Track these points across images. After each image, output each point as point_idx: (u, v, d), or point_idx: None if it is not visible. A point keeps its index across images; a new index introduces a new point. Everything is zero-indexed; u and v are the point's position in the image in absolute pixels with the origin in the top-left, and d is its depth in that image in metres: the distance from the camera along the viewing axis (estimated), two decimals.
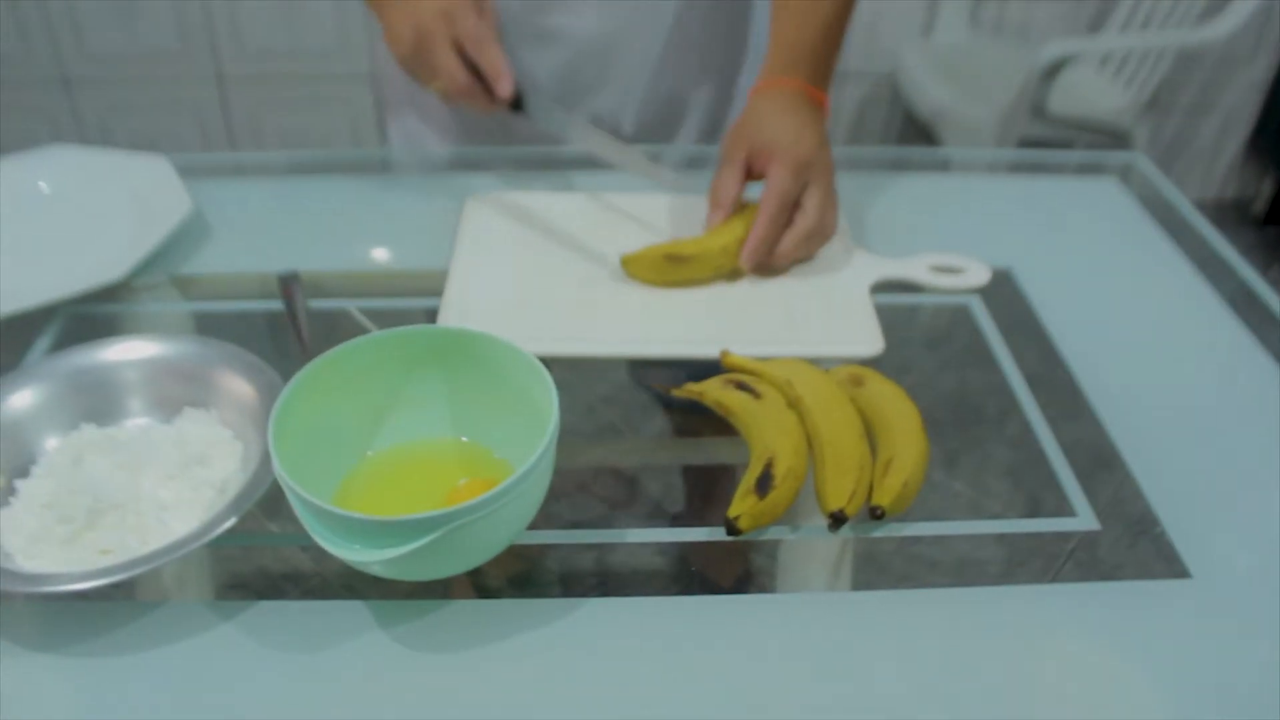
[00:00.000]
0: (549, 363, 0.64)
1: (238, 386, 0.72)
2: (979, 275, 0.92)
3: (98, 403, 0.73)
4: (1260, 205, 3.00)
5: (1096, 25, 2.69)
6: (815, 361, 0.78)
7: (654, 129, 1.15)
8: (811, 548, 0.68)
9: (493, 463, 0.68)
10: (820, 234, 0.91)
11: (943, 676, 0.59)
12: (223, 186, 1.06)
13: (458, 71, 0.91)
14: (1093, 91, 2.53)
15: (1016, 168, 1.18)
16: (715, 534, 0.67)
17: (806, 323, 0.86)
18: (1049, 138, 2.49)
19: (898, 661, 0.60)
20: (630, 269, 0.90)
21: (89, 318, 0.87)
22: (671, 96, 1.13)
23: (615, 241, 0.94)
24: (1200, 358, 0.86)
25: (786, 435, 0.70)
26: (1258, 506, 0.71)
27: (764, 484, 0.66)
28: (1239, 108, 2.89)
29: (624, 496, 0.72)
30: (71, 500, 0.64)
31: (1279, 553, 0.67)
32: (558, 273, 0.92)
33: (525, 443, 0.61)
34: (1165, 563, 0.67)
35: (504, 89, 0.92)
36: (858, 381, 0.76)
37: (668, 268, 0.89)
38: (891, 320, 0.87)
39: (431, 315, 0.85)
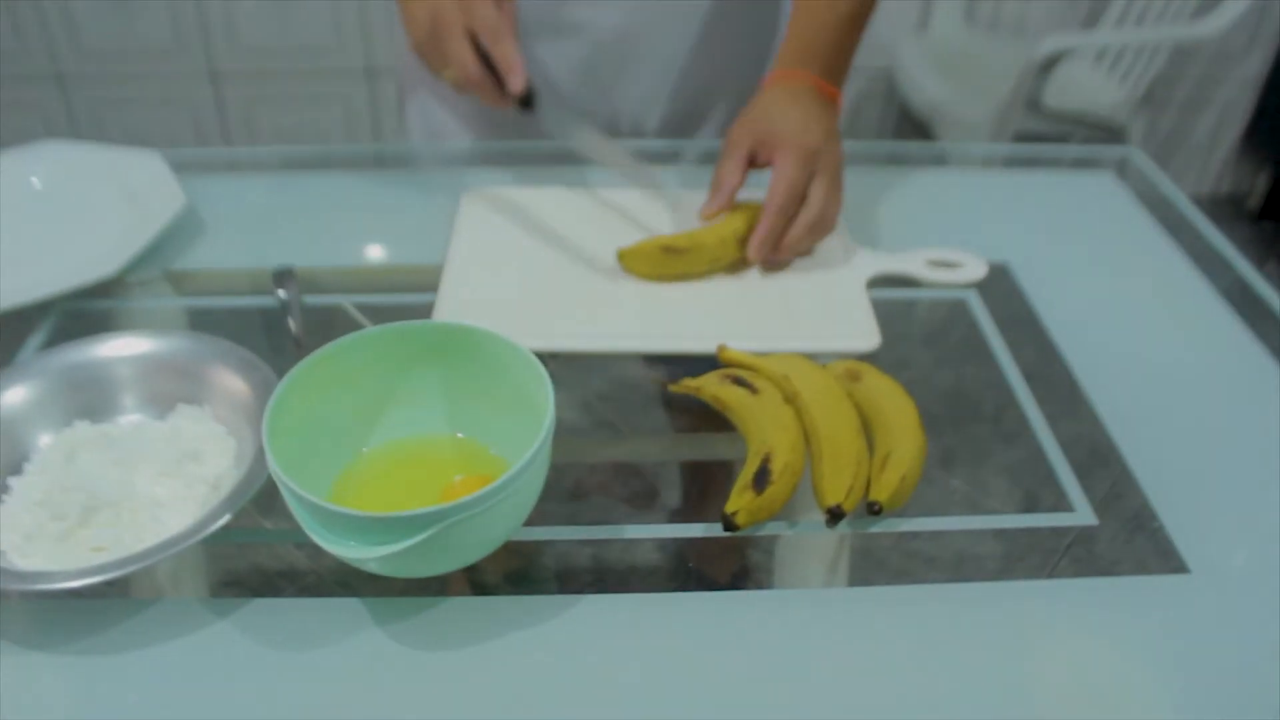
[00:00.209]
0: (545, 358, 0.64)
1: (232, 382, 0.72)
2: (976, 270, 0.92)
3: (91, 399, 0.72)
4: (1255, 200, 3.00)
5: (1091, 20, 2.69)
6: (812, 356, 0.78)
7: (679, 125, 1.15)
8: (808, 543, 0.68)
9: (488, 459, 0.68)
10: (823, 226, 0.91)
11: (940, 672, 0.59)
12: (216, 182, 1.06)
13: (470, 62, 0.91)
14: (1088, 86, 2.53)
15: (1012, 162, 1.18)
16: (712, 530, 0.67)
17: (803, 318, 0.86)
18: (1044, 132, 2.49)
19: (895, 657, 0.60)
20: (626, 263, 0.89)
21: (82, 314, 0.87)
22: (699, 92, 1.13)
23: (611, 237, 0.94)
24: (1197, 352, 0.86)
25: (784, 430, 0.69)
26: (1255, 501, 0.71)
27: (761, 479, 0.66)
28: (1234, 103, 2.89)
29: (620, 492, 0.71)
30: (65, 497, 0.64)
31: (1277, 547, 0.67)
32: (554, 268, 0.92)
33: (521, 439, 0.61)
34: (1163, 558, 0.66)
35: (515, 84, 0.91)
36: (855, 376, 0.76)
37: (664, 261, 0.89)
38: (888, 315, 0.87)
39: (426, 311, 0.85)
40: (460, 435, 0.70)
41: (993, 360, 0.83)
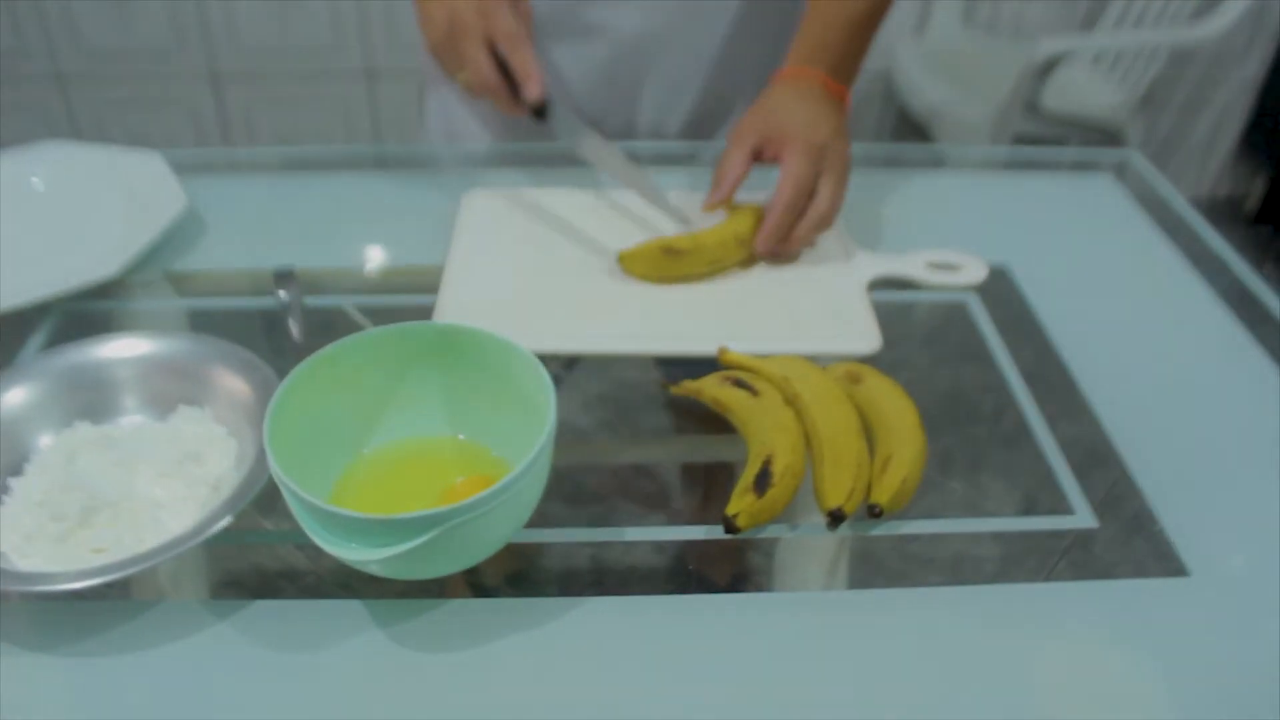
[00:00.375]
0: (545, 360, 0.64)
1: (232, 384, 0.72)
2: (976, 272, 0.92)
3: (92, 400, 0.72)
4: (1252, 203, 3.00)
5: (1090, 23, 2.69)
6: (813, 359, 0.78)
7: (697, 128, 1.15)
8: (808, 546, 0.68)
9: (490, 460, 0.68)
10: (826, 222, 0.91)
11: (941, 675, 0.59)
12: (217, 183, 1.06)
13: (486, 67, 0.91)
14: (1086, 89, 2.54)
15: (1011, 165, 1.18)
16: (713, 532, 0.67)
17: (804, 320, 0.86)
18: (1043, 135, 2.49)
19: (897, 660, 0.60)
20: (627, 265, 0.89)
21: (83, 315, 0.87)
22: (718, 95, 1.12)
23: (612, 238, 0.94)
24: (1197, 354, 0.86)
25: (784, 433, 0.70)
26: (1255, 503, 0.71)
27: (762, 482, 0.66)
28: (1231, 106, 2.90)
29: (621, 494, 0.71)
30: (65, 498, 0.64)
31: (1277, 550, 0.67)
32: (554, 269, 0.92)
33: (522, 440, 0.61)
34: (1163, 560, 0.66)
35: (532, 92, 0.91)
36: (855, 379, 0.76)
37: (664, 262, 0.89)
38: (889, 317, 0.87)
39: (427, 312, 0.85)
40: (461, 437, 0.70)
41: (993, 362, 0.83)
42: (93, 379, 0.73)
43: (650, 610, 0.63)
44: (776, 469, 0.67)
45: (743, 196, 0.95)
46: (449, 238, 0.95)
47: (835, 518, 0.65)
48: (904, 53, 2.66)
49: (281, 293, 0.86)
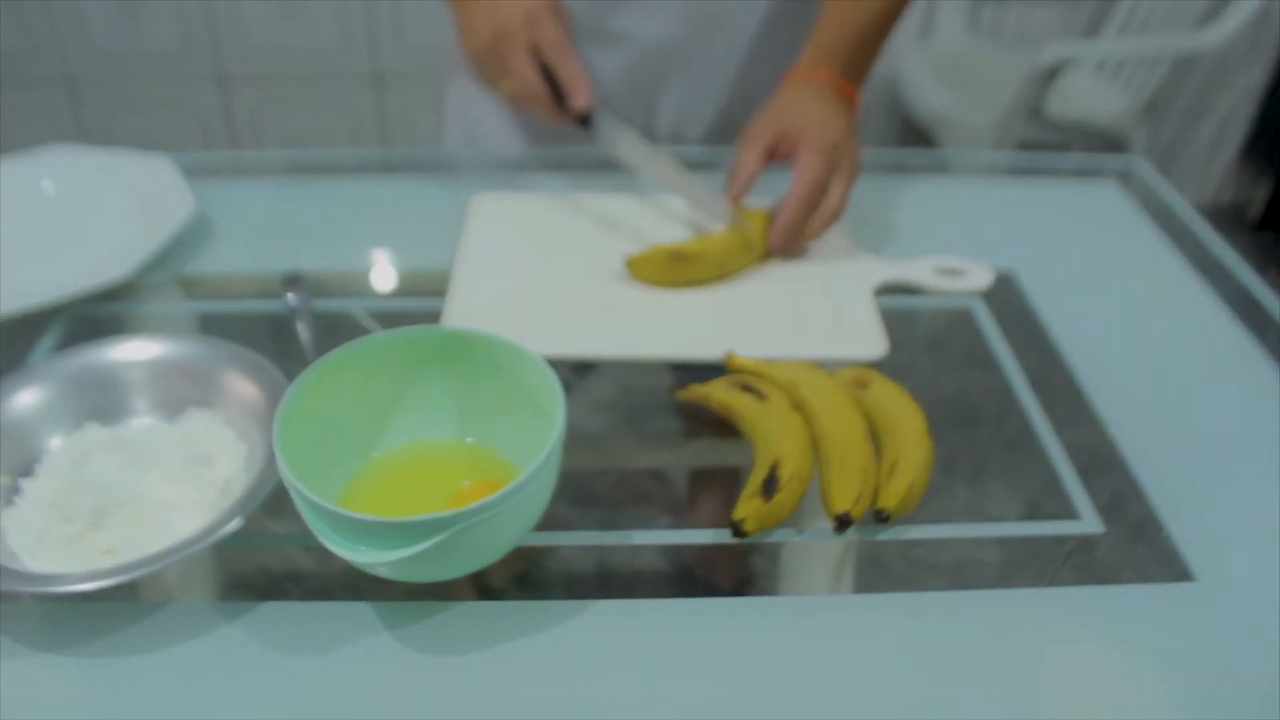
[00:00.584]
0: (554, 365, 0.64)
1: (242, 387, 0.72)
2: (982, 278, 0.93)
3: (102, 402, 0.73)
4: (1255, 209, 3.00)
5: (1094, 29, 2.70)
6: (820, 364, 0.78)
7: (720, 134, 1.15)
8: (813, 550, 0.68)
9: (498, 464, 0.68)
10: (835, 218, 0.93)
11: (947, 680, 0.59)
12: (226, 186, 1.06)
13: (531, 76, 0.92)
14: (1090, 95, 2.54)
15: (1016, 171, 1.18)
16: (720, 536, 0.67)
17: (811, 325, 0.86)
18: (1046, 141, 2.49)
19: (903, 664, 0.60)
20: (635, 270, 0.90)
21: (93, 318, 0.87)
22: (742, 102, 1.13)
23: (619, 243, 0.95)
24: (1202, 361, 0.86)
25: (791, 437, 0.70)
26: (1261, 509, 0.71)
27: (769, 486, 0.66)
28: (1235, 112, 2.90)
29: (628, 498, 0.72)
30: (76, 500, 0.64)
31: None
32: (562, 274, 0.92)
33: (530, 444, 0.61)
34: (1169, 565, 0.67)
35: (580, 101, 0.92)
36: (862, 384, 0.76)
37: (672, 268, 0.89)
38: (895, 323, 0.87)
39: (435, 316, 0.85)
40: (470, 441, 0.70)
41: (998, 368, 0.83)
42: (103, 381, 0.73)
43: (657, 614, 0.63)
44: (784, 474, 0.67)
45: (751, 201, 0.95)
46: (457, 241, 0.95)
47: (842, 522, 0.66)
48: (908, 58, 2.67)
49: (290, 296, 0.87)
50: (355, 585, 0.63)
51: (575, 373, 0.82)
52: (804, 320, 0.87)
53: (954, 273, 0.93)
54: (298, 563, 0.66)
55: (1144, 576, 0.66)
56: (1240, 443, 0.77)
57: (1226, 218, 3.03)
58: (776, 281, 0.92)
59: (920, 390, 0.76)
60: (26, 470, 0.68)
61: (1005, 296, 0.92)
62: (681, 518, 0.70)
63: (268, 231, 1.00)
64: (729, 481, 0.74)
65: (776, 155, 0.93)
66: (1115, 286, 0.95)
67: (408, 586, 0.63)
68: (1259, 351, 0.86)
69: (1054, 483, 0.73)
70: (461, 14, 0.96)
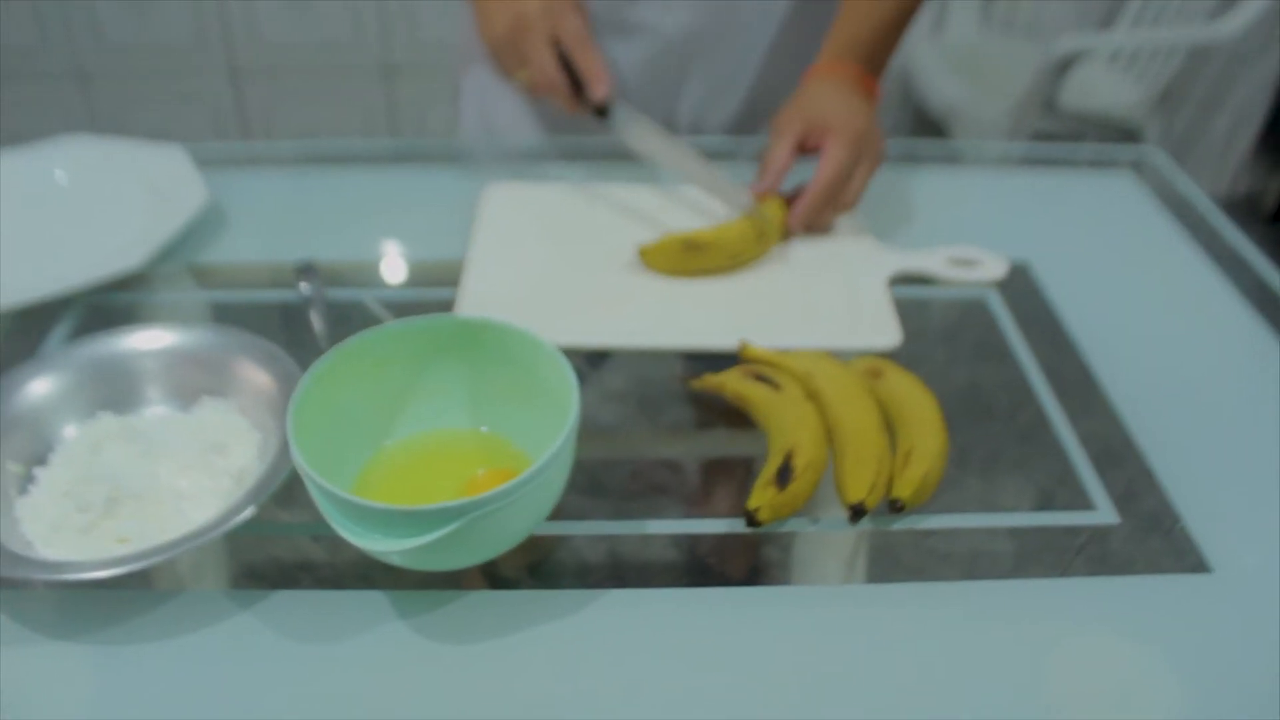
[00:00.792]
0: (568, 354, 0.64)
1: (255, 376, 0.72)
2: (996, 269, 0.92)
3: (116, 391, 0.73)
4: (1270, 201, 2.99)
5: (1108, 21, 2.68)
6: (834, 354, 0.78)
7: (739, 126, 1.16)
8: (825, 540, 0.68)
9: (511, 453, 0.68)
10: (851, 206, 0.94)
11: (961, 671, 0.59)
12: (239, 176, 1.06)
13: (550, 67, 0.92)
14: (1104, 87, 2.53)
15: (1029, 161, 1.17)
16: (734, 526, 0.67)
17: (825, 315, 0.86)
18: (1060, 133, 2.48)
19: (915, 655, 0.60)
20: (648, 259, 0.90)
21: (106, 307, 0.87)
22: (762, 94, 1.13)
23: (632, 232, 0.94)
24: (1217, 351, 0.86)
25: (806, 427, 0.70)
26: (1277, 499, 0.71)
27: (784, 476, 0.66)
28: (1250, 104, 2.88)
29: (641, 488, 0.72)
30: (90, 489, 0.64)
31: None
32: (575, 263, 0.92)
33: (544, 433, 0.61)
34: (1184, 557, 0.66)
35: (599, 93, 0.93)
36: (877, 374, 0.76)
37: (685, 257, 0.89)
38: (909, 313, 0.87)
39: (447, 306, 0.85)
40: (483, 430, 0.70)
41: (1013, 358, 0.83)
42: (116, 371, 0.73)
43: (669, 604, 0.63)
44: (798, 463, 0.67)
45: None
46: (470, 231, 0.95)
47: (857, 512, 0.65)
48: (922, 51, 2.66)
49: (303, 286, 0.87)
50: (367, 574, 0.63)
51: (589, 362, 0.82)
52: (818, 310, 0.87)
53: (968, 263, 0.93)
54: (310, 552, 0.66)
55: (1159, 568, 0.66)
56: (1257, 433, 0.77)
57: (1241, 209, 3.01)
58: (791, 271, 0.92)
59: (934, 380, 0.76)
60: (41, 459, 0.68)
61: (1019, 287, 0.91)
62: (695, 507, 0.70)
63: (281, 221, 1.00)
64: (742, 471, 0.74)
65: (806, 147, 0.94)
66: (1130, 277, 0.95)
67: (420, 575, 0.63)
68: (1275, 342, 0.86)
69: (1069, 473, 0.72)
70: (481, 4, 0.97)
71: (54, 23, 2.50)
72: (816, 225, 0.95)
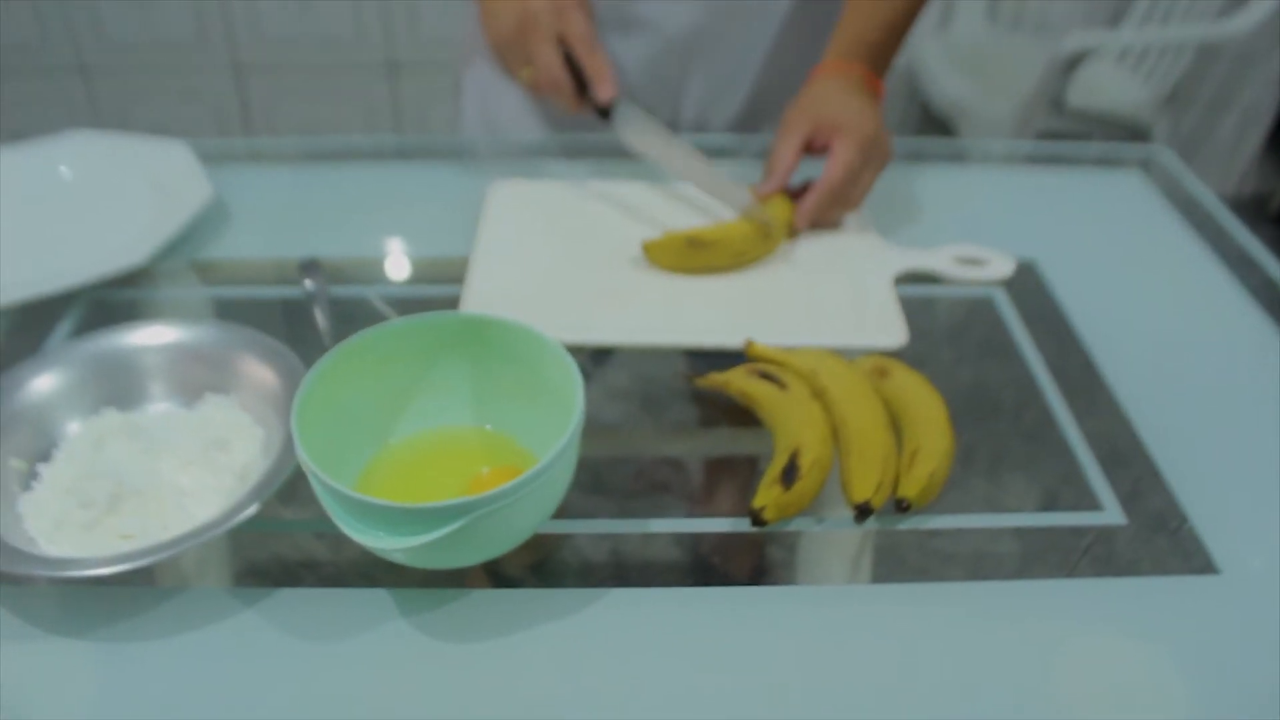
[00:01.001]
0: (572, 352, 0.64)
1: (259, 372, 0.72)
2: (1003, 267, 0.92)
3: (119, 387, 0.72)
4: (1278, 201, 2.98)
5: (1116, 19, 2.68)
6: (840, 352, 0.78)
7: (742, 124, 1.15)
8: (829, 540, 0.67)
9: (516, 451, 0.68)
10: (854, 208, 0.94)
11: (965, 672, 0.59)
12: (242, 172, 1.06)
13: (555, 65, 0.92)
14: (1112, 86, 2.52)
15: (1036, 160, 1.17)
16: (739, 525, 0.67)
17: (831, 314, 0.86)
18: (1067, 132, 2.48)
19: (923, 655, 0.60)
20: (652, 255, 0.89)
21: (110, 303, 0.87)
22: (765, 92, 1.13)
23: (638, 230, 0.94)
24: (1225, 351, 0.85)
25: (812, 426, 0.69)
26: None
27: (790, 475, 0.66)
28: (1259, 103, 2.87)
29: (646, 486, 0.71)
30: (93, 485, 0.64)
31: None
32: (581, 261, 0.92)
33: (548, 431, 0.61)
34: (1192, 558, 0.66)
35: (605, 93, 0.93)
36: (883, 373, 0.75)
37: (689, 254, 0.89)
38: (915, 312, 0.86)
39: (452, 303, 0.85)
40: (488, 427, 0.70)
41: (1019, 358, 0.83)
42: (120, 366, 0.73)
43: (673, 603, 0.62)
44: (804, 462, 0.66)
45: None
46: (475, 228, 0.95)
47: (863, 511, 0.65)
48: (928, 48, 2.65)
49: (307, 282, 0.86)
50: (370, 572, 0.63)
51: (593, 360, 0.82)
52: (824, 309, 0.86)
53: (974, 262, 0.93)
54: (313, 549, 0.65)
55: (1166, 569, 0.65)
56: (1265, 433, 0.76)
57: (1248, 209, 3.00)
58: (796, 269, 0.91)
59: (940, 380, 0.75)
60: (44, 455, 0.68)
61: (1026, 286, 0.91)
62: (699, 506, 0.70)
63: (285, 217, 1.00)
64: (747, 470, 0.73)
65: (813, 147, 0.93)
66: (1138, 276, 0.94)
67: (423, 573, 0.63)
68: None
69: (1075, 473, 0.72)
70: (486, 1, 0.96)
71: (56, 19, 2.50)
72: (822, 222, 0.95)
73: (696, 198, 1.00)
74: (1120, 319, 0.87)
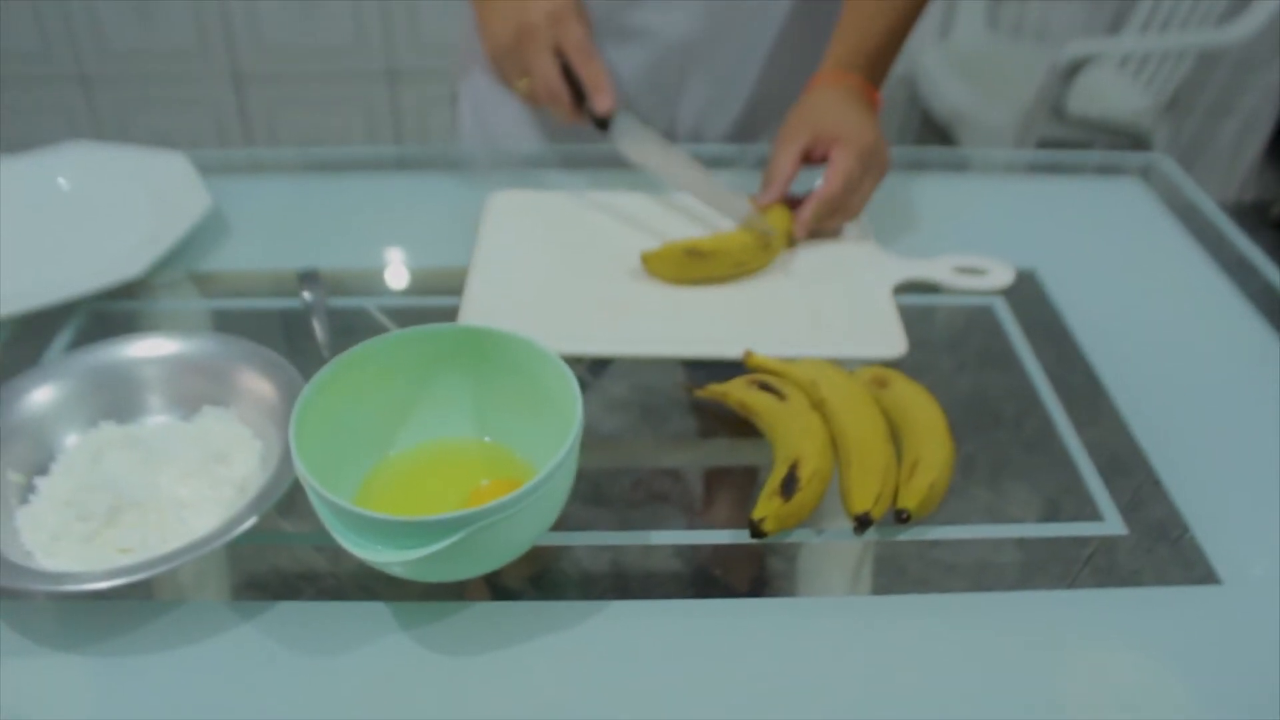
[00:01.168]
0: (570, 363, 0.64)
1: (257, 384, 0.72)
2: (1002, 276, 0.92)
3: (117, 400, 0.72)
4: (1279, 209, 2.98)
5: (1116, 26, 2.68)
6: (839, 363, 0.78)
7: (739, 133, 1.15)
8: (829, 551, 0.67)
9: (515, 463, 0.68)
10: (852, 218, 0.94)
11: (966, 684, 0.59)
12: (241, 184, 1.06)
13: (552, 76, 0.92)
14: (1112, 93, 2.52)
15: (1036, 168, 1.17)
16: (738, 536, 0.67)
17: (830, 324, 0.86)
18: (1068, 139, 2.47)
19: (924, 667, 0.60)
20: (650, 266, 0.89)
21: (108, 315, 0.87)
22: (762, 101, 1.13)
23: (636, 241, 0.94)
24: (1226, 359, 0.85)
25: (811, 437, 0.69)
26: None
27: (789, 486, 0.65)
28: (1258, 111, 2.87)
29: (645, 498, 0.71)
30: (91, 498, 0.64)
31: None
32: (579, 272, 0.91)
33: (547, 443, 0.61)
34: (1193, 568, 0.66)
35: (603, 104, 0.93)
36: (882, 383, 0.75)
37: (688, 264, 0.89)
38: (915, 321, 0.86)
39: (451, 314, 0.85)
40: (486, 439, 0.70)
41: (1019, 367, 0.83)
42: (118, 379, 0.73)
43: (673, 615, 0.62)
44: (804, 473, 0.66)
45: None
46: (474, 238, 0.95)
47: (862, 522, 0.65)
48: (928, 55, 2.65)
49: (306, 294, 0.86)
50: (369, 585, 0.63)
51: (591, 370, 0.81)
52: (823, 319, 0.86)
53: (974, 271, 0.93)
54: (312, 562, 0.65)
55: (1167, 579, 0.65)
56: (1267, 442, 0.76)
57: (1249, 217, 3.00)
58: (795, 280, 0.91)
59: (940, 389, 0.75)
60: (42, 468, 0.68)
61: (1026, 294, 0.91)
62: (699, 518, 0.70)
63: (283, 228, 1.00)
64: (747, 481, 0.73)
65: (812, 158, 0.93)
66: (1138, 284, 0.94)
67: (422, 586, 0.62)
68: None
69: (1076, 483, 0.72)
70: (483, 10, 0.96)
71: (56, 28, 2.50)
72: (821, 232, 0.95)
73: (695, 208, 1.00)
74: (1121, 327, 0.87)
